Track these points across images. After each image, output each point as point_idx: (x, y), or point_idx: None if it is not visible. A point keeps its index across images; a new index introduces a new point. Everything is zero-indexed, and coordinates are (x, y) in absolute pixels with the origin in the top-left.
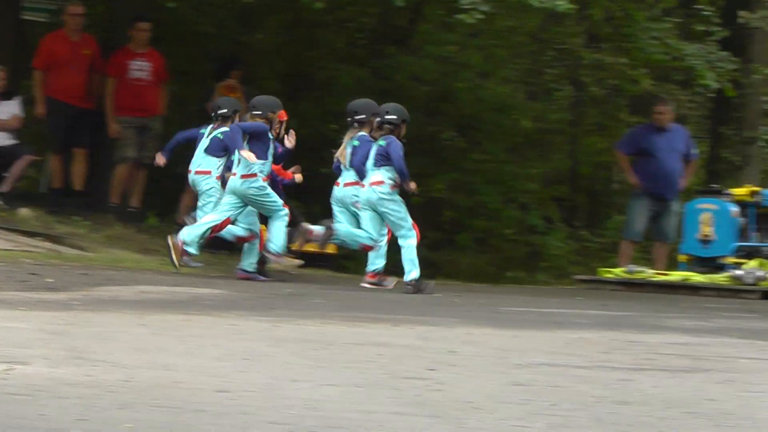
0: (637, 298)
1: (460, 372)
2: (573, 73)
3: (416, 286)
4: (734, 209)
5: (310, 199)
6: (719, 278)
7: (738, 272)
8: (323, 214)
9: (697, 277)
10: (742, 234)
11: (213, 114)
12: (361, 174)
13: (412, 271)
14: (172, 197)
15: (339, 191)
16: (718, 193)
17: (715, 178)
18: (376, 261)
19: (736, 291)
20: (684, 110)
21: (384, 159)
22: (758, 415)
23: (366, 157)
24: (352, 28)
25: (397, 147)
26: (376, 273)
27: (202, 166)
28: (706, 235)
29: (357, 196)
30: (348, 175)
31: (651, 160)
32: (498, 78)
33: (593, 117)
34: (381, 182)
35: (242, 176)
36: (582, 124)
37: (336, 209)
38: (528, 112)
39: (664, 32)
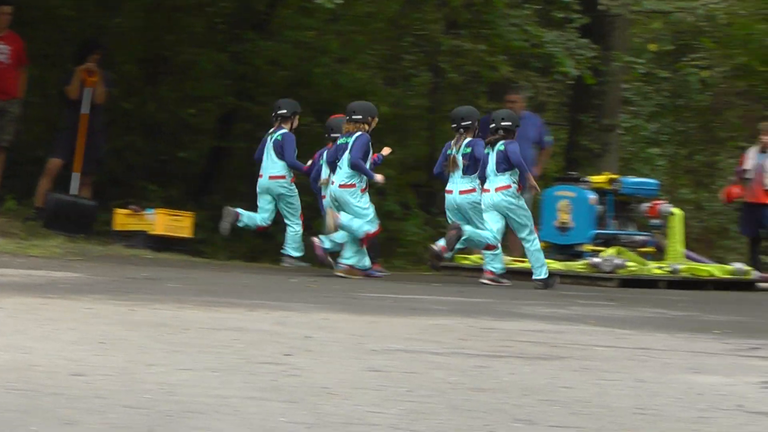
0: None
1: (316, 357)
2: (432, 59)
3: (546, 283)
4: (592, 197)
5: (166, 182)
6: (577, 266)
7: (596, 260)
8: (179, 197)
9: (554, 265)
10: (600, 222)
11: (273, 115)
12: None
13: (541, 268)
14: (30, 181)
15: (456, 199)
16: (576, 180)
17: (573, 165)
18: (494, 263)
19: (594, 279)
20: (543, 97)
21: (506, 163)
22: (614, 404)
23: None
24: (211, 13)
25: (515, 149)
26: (493, 272)
27: (275, 170)
28: (563, 223)
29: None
30: (462, 182)
31: None
32: (356, 64)
33: (452, 103)
34: (507, 186)
35: (341, 185)
36: (440, 110)
37: (451, 216)
38: (386, 98)
39: (523, 19)
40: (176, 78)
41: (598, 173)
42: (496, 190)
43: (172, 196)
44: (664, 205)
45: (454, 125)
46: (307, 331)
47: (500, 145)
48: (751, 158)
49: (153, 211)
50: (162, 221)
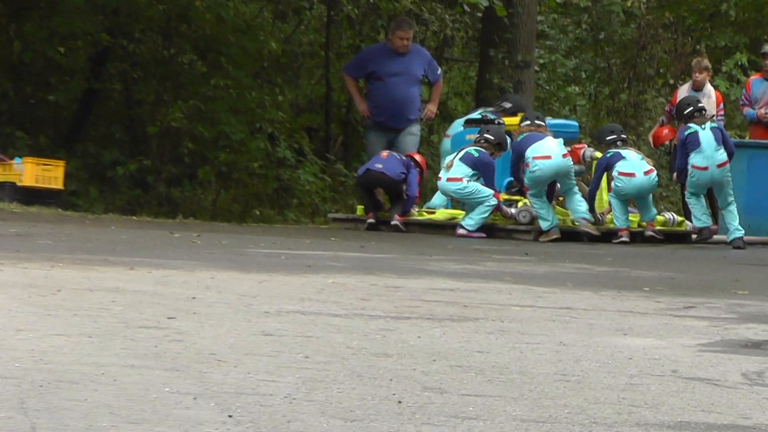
0: (398, 238)
1: (203, 321)
2: None
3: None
4: (507, 140)
5: (34, 129)
6: (490, 217)
7: (511, 210)
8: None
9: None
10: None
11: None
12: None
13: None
14: None
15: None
16: (488, 122)
17: (484, 105)
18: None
19: (510, 231)
20: (450, 32)
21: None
22: (534, 370)
23: None
24: None
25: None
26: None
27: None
28: None
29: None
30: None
31: (380, 85)
32: None
33: (348, 39)
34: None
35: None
36: (336, 46)
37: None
38: (275, 33)
39: None
40: (43, 13)
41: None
42: (718, 166)
43: (41, 143)
44: (587, 149)
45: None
46: (191, 292)
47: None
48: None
49: (20, 160)
50: (30, 171)
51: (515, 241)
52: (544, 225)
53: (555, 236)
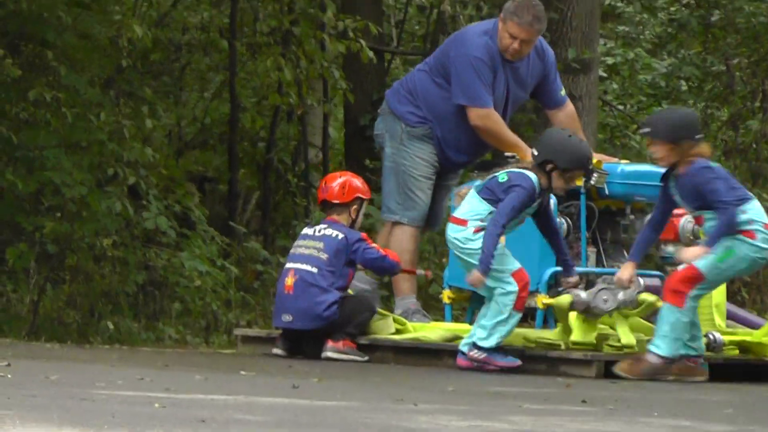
0: (358, 372)
1: None
2: None
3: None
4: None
5: None
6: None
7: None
8: None
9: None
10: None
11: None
12: None
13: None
14: None
15: None
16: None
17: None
18: None
19: (555, 361)
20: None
21: None
22: None
23: None
24: None
25: None
26: None
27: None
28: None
29: None
30: None
31: None
32: None
33: (272, 17)
34: None
35: None
36: (248, 31)
37: None
38: (141, 10)
39: None
40: None
41: None
42: None
43: None
44: (688, 218)
45: None
46: None
47: None
48: None
49: None
50: None
51: (563, 378)
52: (663, 347)
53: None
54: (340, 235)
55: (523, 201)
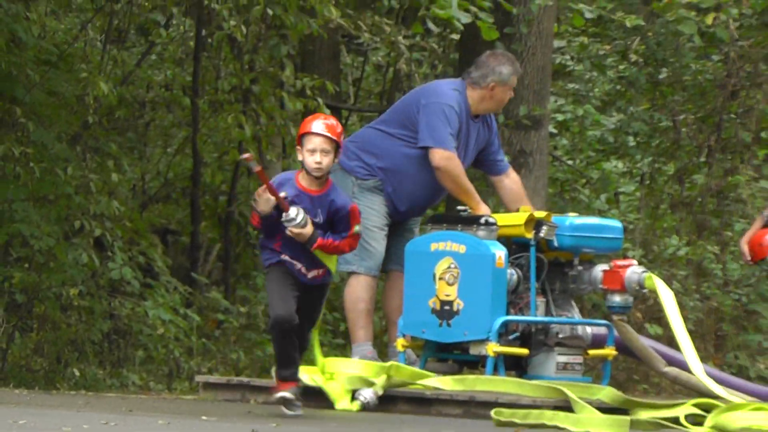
0: (339, 422)
1: None
2: None
3: None
4: (500, 253)
5: None
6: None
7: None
8: None
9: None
10: (515, 300)
11: None
12: None
13: None
14: None
15: None
16: (469, 221)
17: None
18: None
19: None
20: (404, 65)
21: None
22: None
23: None
24: None
25: None
26: None
27: None
28: (446, 302)
29: None
30: None
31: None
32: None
33: (233, 76)
34: None
35: None
36: (210, 90)
37: None
38: (107, 67)
39: None
40: None
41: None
42: None
43: None
44: (635, 269)
45: None
46: None
47: None
48: None
49: None
50: None
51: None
52: None
53: None
54: None
55: None
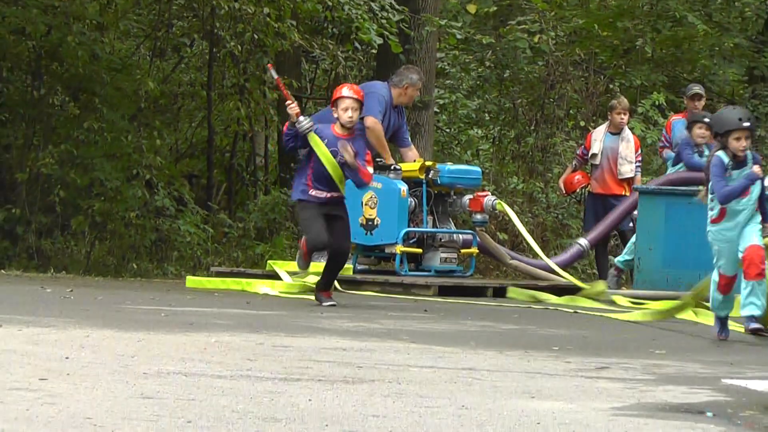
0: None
1: (77, 382)
2: (207, 25)
3: None
4: (403, 188)
5: None
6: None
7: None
8: None
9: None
10: (413, 218)
11: None
12: None
13: None
14: None
15: None
16: (383, 168)
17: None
18: None
19: (408, 286)
20: (342, 69)
21: None
22: None
23: None
24: None
25: None
26: None
27: None
28: (369, 219)
29: None
30: None
31: None
32: (117, 31)
33: (232, 78)
34: None
35: None
36: (218, 86)
37: None
38: (153, 72)
39: None
40: None
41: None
42: None
43: None
44: (490, 198)
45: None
46: (65, 351)
47: None
48: (599, 140)
49: None
50: None
51: (413, 297)
52: None
53: None
54: None
55: None
